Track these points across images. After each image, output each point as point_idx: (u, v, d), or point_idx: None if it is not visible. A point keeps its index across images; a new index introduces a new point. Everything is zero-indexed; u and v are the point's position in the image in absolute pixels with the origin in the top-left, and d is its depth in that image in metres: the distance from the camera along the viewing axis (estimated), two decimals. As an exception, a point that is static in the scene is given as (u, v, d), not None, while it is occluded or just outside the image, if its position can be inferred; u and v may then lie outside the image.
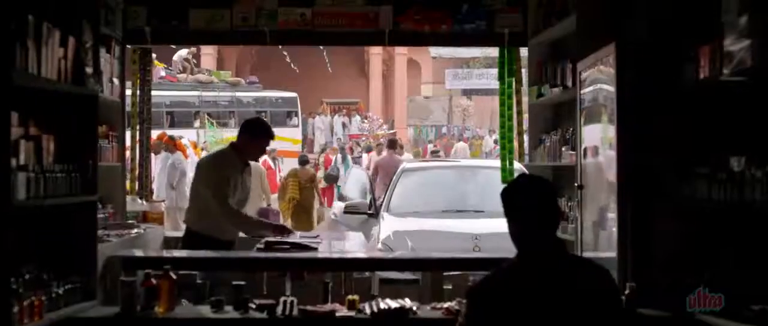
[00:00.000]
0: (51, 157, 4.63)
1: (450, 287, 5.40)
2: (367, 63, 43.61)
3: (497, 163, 12.96)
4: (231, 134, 29.78)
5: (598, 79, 5.32)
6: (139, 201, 7.49)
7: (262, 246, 5.89)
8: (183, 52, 29.26)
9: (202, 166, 6.35)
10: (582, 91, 5.67)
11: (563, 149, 6.53)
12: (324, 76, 43.92)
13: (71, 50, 4.80)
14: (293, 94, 32.56)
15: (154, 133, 9.28)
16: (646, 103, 4.73)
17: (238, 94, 31.18)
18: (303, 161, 16.45)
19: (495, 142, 35.00)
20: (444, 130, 38.17)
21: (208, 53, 38.21)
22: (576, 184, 5.83)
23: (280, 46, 43.05)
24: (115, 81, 6.86)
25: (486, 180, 10.23)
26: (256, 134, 6.32)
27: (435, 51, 41.20)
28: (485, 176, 10.48)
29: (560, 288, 3.21)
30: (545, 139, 7.11)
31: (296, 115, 32.13)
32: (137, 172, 7.45)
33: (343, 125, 36.19)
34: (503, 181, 7.68)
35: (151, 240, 6.88)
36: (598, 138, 5.32)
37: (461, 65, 40.77)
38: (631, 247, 4.75)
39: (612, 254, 4.89)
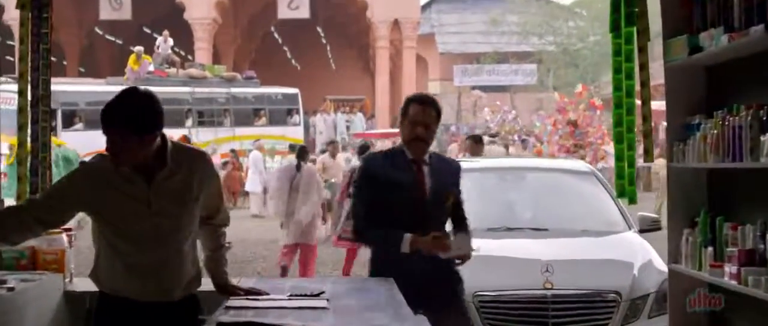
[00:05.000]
0: None
1: None
2: (372, 59, 42.04)
3: (556, 163, 10.29)
4: (226, 134, 27.52)
5: None
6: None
7: (226, 319, 2.99)
8: (168, 46, 27.28)
9: None
10: None
11: (763, 138, 3.67)
12: (327, 73, 42.91)
13: None
14: (294, 90, 30.89)
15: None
16: None
17: (234, 90, 29.07)
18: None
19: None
20: (452, 128, 35.96)
21: (203, 47, 36.08)
22: None
23: (280, 41, 40.95)
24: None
25: (544, 186, 7.98)
26: None
27: (443, 46, 40.18)
28: (542, 181, 8.14)
29: None
30: (701, 123, 4.28)
31: (297, 112, 30.20)
32: (29, 184, 4.57)
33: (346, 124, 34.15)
34: (619, 194, 4.84)
35: (34, 304, 3.97)
36: None
37: (471, 61, 39.75)
38: None
39: None
